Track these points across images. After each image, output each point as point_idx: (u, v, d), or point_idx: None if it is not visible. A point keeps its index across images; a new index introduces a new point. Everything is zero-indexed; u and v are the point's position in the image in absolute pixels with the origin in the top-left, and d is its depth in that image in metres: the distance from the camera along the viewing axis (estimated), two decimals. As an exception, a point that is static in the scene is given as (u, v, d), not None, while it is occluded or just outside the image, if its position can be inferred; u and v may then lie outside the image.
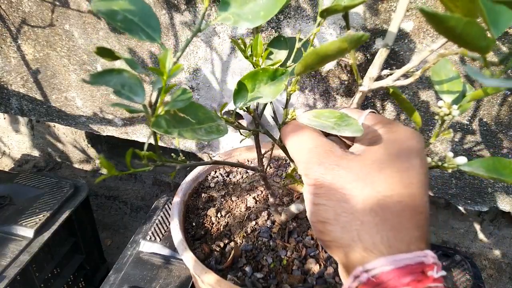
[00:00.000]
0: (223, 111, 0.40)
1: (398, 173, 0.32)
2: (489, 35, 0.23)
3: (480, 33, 0.22)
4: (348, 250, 0.32)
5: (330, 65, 0.72)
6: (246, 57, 0.41)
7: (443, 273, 0.30)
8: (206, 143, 0.95)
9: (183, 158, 0.37)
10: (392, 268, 0.29)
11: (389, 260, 0.29)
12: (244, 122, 0.78)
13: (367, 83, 0.38)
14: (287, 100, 0.41)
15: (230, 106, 0.74)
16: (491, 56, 0.60)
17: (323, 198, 0.34)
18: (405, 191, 0.32)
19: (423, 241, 0.32)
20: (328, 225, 0.33)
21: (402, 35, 0.64)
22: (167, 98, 0.27)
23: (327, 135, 0.39)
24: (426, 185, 0.33)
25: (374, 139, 0.35)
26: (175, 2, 0.73)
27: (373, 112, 0.39)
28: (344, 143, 0.40)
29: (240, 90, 0.37)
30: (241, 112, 0.71)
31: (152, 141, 0.32)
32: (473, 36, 0.22)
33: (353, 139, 0.39)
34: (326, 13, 0.31)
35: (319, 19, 0.34)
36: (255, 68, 0.41)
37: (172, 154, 0.41)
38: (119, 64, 0.86)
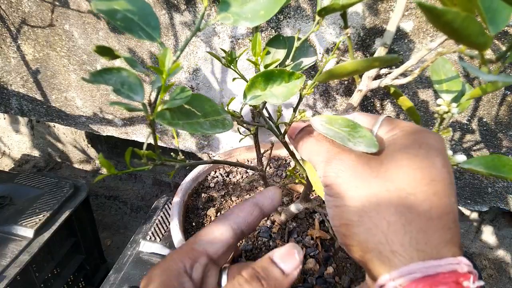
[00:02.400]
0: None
1: (419, 170, 0.30)
2: (487, 33, 0.23)
3: (478, 28, 0.22)
4: (374, 254, 0.30)
5: (330, 65, 0.72)
6: (227, 66, 0.41)
7: (481, 283, 0.27)
8: (206, 142, 0.95)
9: (183, 157, 0.37)
10: (422, 276, 0.27)
11: (418, 266, 0.27)
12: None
13: (366, 82, 0.38)
14: (299, 102, 0.41)
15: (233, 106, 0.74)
16: (490, 55, 0.60)
17: (344, 198, 0.32)
18: (429, 188, 0.29)
19: (455, 245, 0.29)
20: (352, 227, 0.31)
21: (402, 35, 0.64)
22: (166, 96, 0.27)
23: None
24: (451, 184, 0.31)
25: (391, 141, 0.34)
26: (175, 2, 0.73)
27: (389, 117, 0.37)
28: None
29: (252, 87, 0.37)
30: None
31: (151, 140, 0.32)
32: (470, 31, 0.22)
33: None
34: (324, 11, 0.30)
35: (317, 18, 0.34)
36: (255, 68, 0.41)
37: (172, 153, 0.41)
38: (118, 63, 0.86)
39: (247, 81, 0.37)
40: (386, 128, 0.35)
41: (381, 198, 0.30)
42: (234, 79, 0.43)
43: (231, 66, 0.42)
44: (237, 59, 0.42)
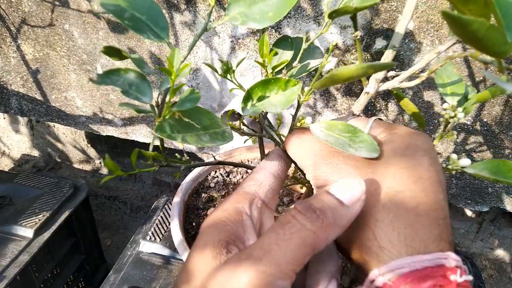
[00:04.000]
0: (223, 111, 0.40)
1: (406, 169, 0.30)
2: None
3: (501, 38, 0.22)
4: (363, 251, 0.30)
5: (331, 65, 0.72)
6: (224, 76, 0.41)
7: (469, 277, 0.27)
8: (206, 143, 0.94)
9: (188, 158, 0.37)
10: (410, 271, 0.27)
11: (406, 261, 0.27)
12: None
13: (373, 85, 0.38)
14: (297, 109, 0.41)
15: (231, 107, 0.74)
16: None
17: None
18: (416, 186, 0.30)
19: (443, 240, 0.29)
20: None
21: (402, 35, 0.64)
22: (173, 98, 0.27)
23: None
24: (439, 182, 0.31)
25: (384, 144, 0.34)
26: (175, 1, 0.73)
27: (380, 119, 0.37)
28: None
29: (250, 96, 0.36)
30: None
31: (156, 142, 0.31)
32: (494, 40, 0.22)
33: None
34: (335, 14, 0.30)
35: (326, 19, 0.34)
36: (262, 68, 0.41)
37: (176, 154, 0.41)
38: (118, 64, 0.86)
39: (245, 91, 0.37)
40: (376, 131, 0.36)
41: (369, 197, 0.30)
42: (231, 89, 0.43)
43: (228, 77, 0.42)
44: (235, 69, 0.41)
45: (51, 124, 1.34)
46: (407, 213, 0.29)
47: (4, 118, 1.41)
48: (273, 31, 0.72)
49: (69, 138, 1.36)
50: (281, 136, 0.43)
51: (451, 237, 0.30)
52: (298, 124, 0.40)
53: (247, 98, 0.36)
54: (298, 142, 0.38)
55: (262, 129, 0.43)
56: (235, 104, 0.79)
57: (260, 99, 0.36)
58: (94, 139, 1.34)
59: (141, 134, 0.98)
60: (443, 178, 0.32)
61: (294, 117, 0.41)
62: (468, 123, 0.71)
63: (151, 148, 0.31)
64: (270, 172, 0.38)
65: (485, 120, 0.70)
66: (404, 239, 0.28)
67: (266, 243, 0.28)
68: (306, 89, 0.39)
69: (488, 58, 0.25)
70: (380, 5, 0.63)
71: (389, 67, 0.29)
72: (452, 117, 0.39)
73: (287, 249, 0.28)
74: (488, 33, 0.22)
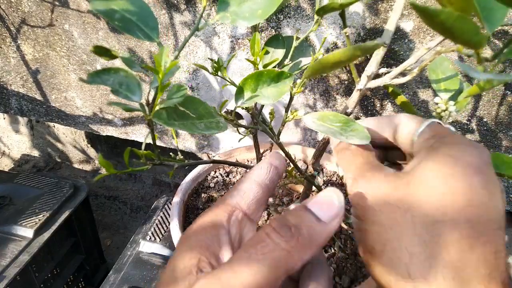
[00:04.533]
0: (223, 110, 0.40)
1: (451, 195, 0.26)
2: (484, 31, 0.24)
3: (471, 27, 0.22)
4: (396, 285, 0.27)
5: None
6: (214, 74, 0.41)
7: None
8: (205, 143, 0.95)
9: (181, 157, 0.37)
10: None
11: None
12: (244, 122, 0.78)
13: (365, 81, 0.38)
14: (290, 102, 0.41)
15: (231, 105, 0.74)
16: (490, 55, 0.60)
17: (368, 223, 0.30)
18: (460, 216, 0.26)
19: (493, 280, 0.25)
20: (375, 256, 0.29)
21: (402, 35, 0.64)
22: (164, 96, 0.27)
23: (384, 149, 0.37)
24: (491, 208, 0.26)
25: (427, 156, 0.29)
26: (175, 1, 0.73)
27: (439, 122, 0.33)
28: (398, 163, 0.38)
29: (242, 89, 0.37)
30: (241, 112, 0.71)
31: (149, 140, 0.32)
32: (464, 30, 0.22)
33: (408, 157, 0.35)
34: (322, 11, 0.30)
35: (316, 17, 0.34)
36: (254, 67, 0.41)
37: (171, 153, 0.41)
38: (119, 63, 0.86)
39: (237, 86, 0.37)
40: (425, 136, 0.32)
41: (405, 226, 0.27)
42: (224, 86, 0.43)
43: (219, 74, 0.42)
44: (224, 66, 0.41)
45: (51, 124, 1.34)
46: (447, 249, 0.26)
47: (4, 118, 1.41)
48: (273, 31, 0.72)
49: (69, 138, 1.37)
50: (274, 130, 0.43)
51: (504, 273, 0.26)
52: (291, 117, 0.40)
53: (240, 90, 0.36)
54: (345, 154, 0.36)
55: (256, 122, 0.44)
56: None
57: (253, 91, 0.36)
58: (94, 139, 1.35)
59: (141, 134, 0.98)
60: (501, 201, 0.27)
61: (287, 109, 0.41)
62: (468, 123, 0.71)
63: (143, 146, 0.31)
64: (256, 182, 0.35)
65: (484, 120, 0.70)
66: (442, 280, 0.26)
67: (236, 264, 0.27)
68: (299, 81, 0.39)
69: (472, 51, 0.26)
70: (380, 5, 0.63)
71: (375, 48, 0.29)
72: (444, 111, 0.39)
73: (257, 272, 0.26)
74: (456, 23, 0.21)
